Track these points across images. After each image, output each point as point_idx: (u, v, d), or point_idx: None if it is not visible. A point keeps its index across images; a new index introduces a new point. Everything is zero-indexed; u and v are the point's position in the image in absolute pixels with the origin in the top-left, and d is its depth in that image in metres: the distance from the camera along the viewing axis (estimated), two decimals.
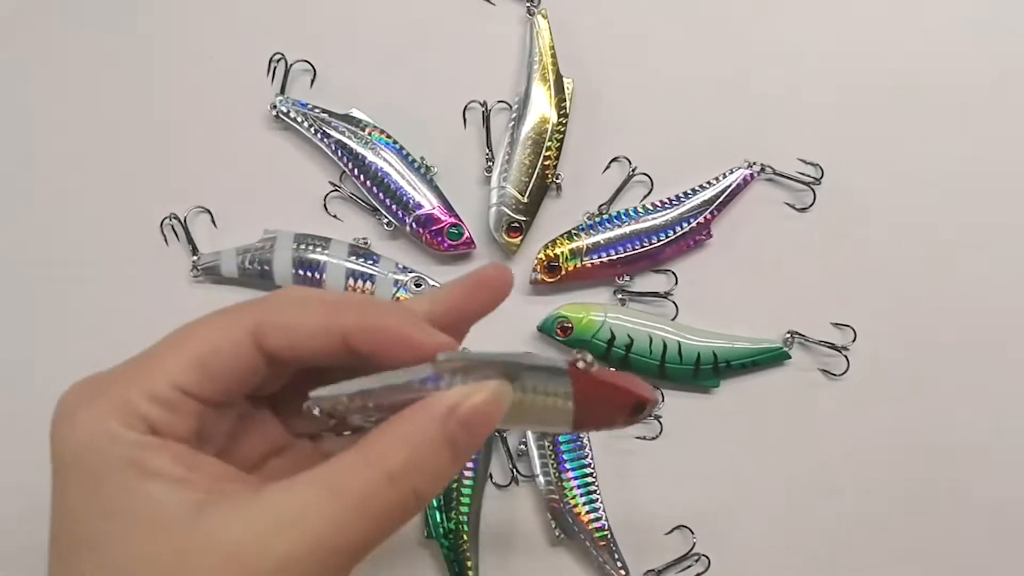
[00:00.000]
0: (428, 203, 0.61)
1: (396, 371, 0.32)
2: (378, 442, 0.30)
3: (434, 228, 0.61)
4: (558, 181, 0.62)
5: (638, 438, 0.59)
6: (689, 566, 0.58)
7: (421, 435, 0.30)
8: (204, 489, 0.30)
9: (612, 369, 0.50)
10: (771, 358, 0.60)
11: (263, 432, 0.37)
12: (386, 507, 0.30)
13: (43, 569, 0.32)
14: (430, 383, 0.31)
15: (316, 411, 0.33)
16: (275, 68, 0.64)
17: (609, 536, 0.57)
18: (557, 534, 0.57)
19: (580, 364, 0.33)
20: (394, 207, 0.61)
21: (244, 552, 0.28)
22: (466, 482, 0.56)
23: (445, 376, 0.31)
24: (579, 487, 0.58)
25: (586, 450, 0.58)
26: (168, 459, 0.30)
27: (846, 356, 0.60)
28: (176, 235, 0.62)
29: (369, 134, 0.62)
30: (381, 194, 0.61)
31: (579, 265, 0.60)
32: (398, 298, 0.59)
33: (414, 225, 0.61)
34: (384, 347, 0.32)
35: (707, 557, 0.58)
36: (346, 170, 0.62)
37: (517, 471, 0.58)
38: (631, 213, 0.62)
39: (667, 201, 0.62)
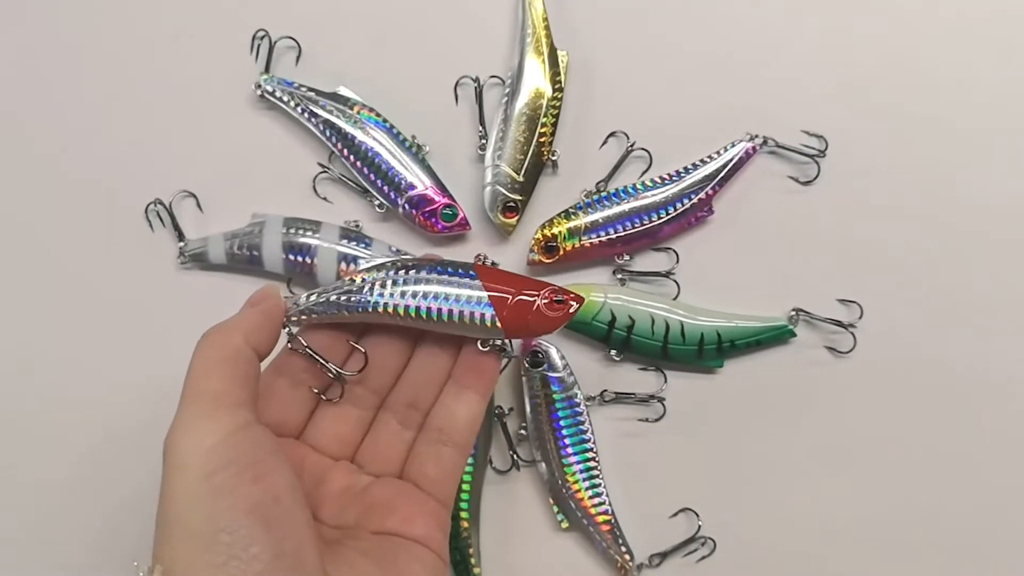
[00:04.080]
0: (421, 183, 0.59)
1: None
2: None
3: (427, 209, 0.59)
4: (554, 158, 0.60)
5: (641, 420, 0.58)
6: (695, 549, 0.57)
7: None
8: None
9: None
10: (776, 336, 0.58)
11: None
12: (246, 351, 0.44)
13: None
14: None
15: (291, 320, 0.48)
16: (259, 46, 0.62)
17: (613, 520, 0.56)
18: (560, 521, 0.56)
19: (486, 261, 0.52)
20: (386, 188, 0.59)
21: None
22: (466, 467, 0.55)
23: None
24: (582, 471, 0.56)
25: (588, 434, 0.57)
26: None
27: (853, 333, 0.59)
28: (162, 221, 0.60)
29: (358, 113, 0.60)
30: (372, 175, 0.59)
31: (577, 245, 0.59)
32: None
33: (407, 206, 0.59)
34: None
35: (712, 540, 0.57)
36: (335, 150, 0.60)
37: (518, 456, 0.57)
38: (630, 190, 0.60)
39: (667, 177, 0.60)
